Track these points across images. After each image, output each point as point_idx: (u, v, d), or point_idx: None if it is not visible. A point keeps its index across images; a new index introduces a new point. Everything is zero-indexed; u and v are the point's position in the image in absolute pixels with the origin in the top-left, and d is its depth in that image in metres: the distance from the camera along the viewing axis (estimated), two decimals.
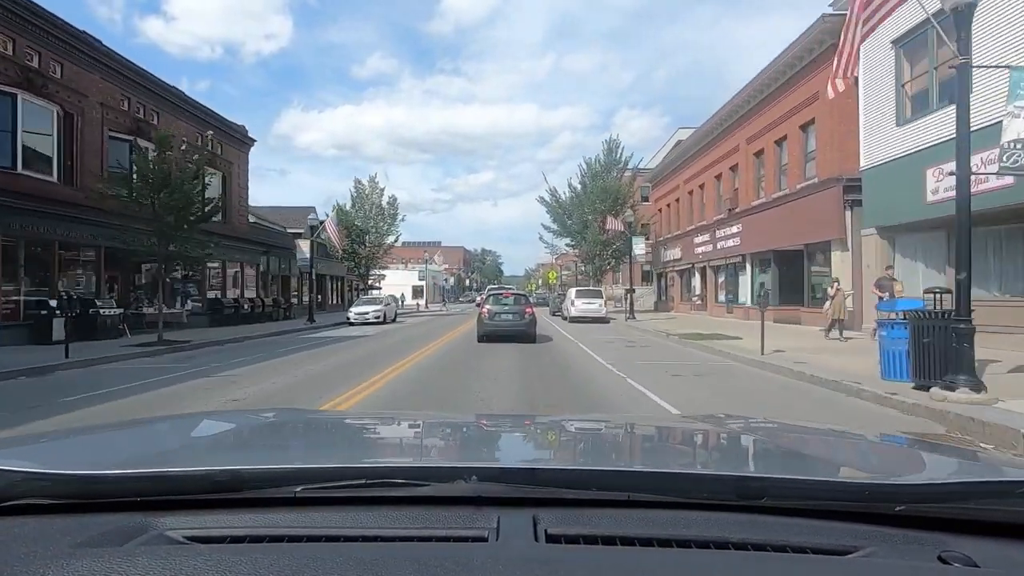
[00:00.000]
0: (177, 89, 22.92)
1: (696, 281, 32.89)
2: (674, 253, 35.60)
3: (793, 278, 22.53)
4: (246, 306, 25.76)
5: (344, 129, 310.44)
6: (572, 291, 28.96)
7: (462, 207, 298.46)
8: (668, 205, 37.83)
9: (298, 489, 1.08)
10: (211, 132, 16.48)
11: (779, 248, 22.36)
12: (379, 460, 1.57)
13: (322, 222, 27.15)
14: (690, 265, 33.22)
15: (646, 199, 41.03)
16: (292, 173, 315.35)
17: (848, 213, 17.97)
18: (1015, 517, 1.03)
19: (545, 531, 0.97)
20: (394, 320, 30.60)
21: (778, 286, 23.10)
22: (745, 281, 25.96)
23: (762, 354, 11.68)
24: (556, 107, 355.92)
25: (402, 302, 54.01)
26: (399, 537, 0.97)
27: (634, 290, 28.27)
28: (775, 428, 2.21)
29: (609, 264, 36.03)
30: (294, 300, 36.04)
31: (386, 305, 29.45)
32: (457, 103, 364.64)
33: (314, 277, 27.00)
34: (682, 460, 1.74)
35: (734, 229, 26.36)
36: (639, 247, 27.03)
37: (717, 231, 28.46)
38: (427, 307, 52.16)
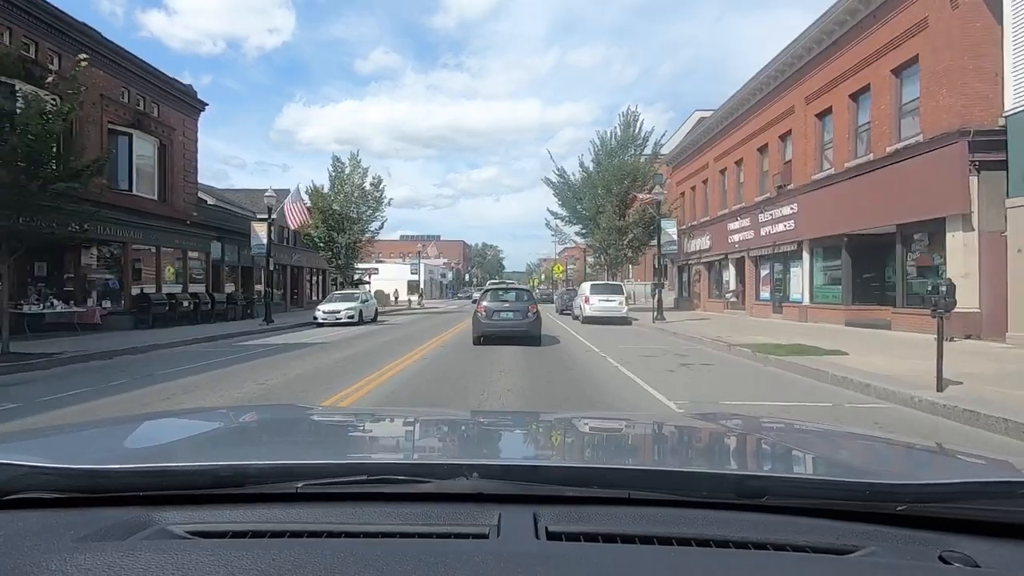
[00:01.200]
0: (93, 29, 18.05)
1: (729, 275, 28.06)
2: (700, 243, 30.76)
3: (874, 269, 17.68)
4: (186, 303, 20.91)
5: (347, 124, 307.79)
6: (586, 286, 24.16)
7: (464, 203, 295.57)
8: (692, 188, 32.98)
9: (300, 485, 1.09)
10: (84, 56, 11.58)
11: (856, 231, 17.52)
12: (381, 456, 1.61)
13: (278, 200, 22.13)
14: (722, 256, 28.40)
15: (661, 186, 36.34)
16: (294, 168, 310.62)
17: (974, 179, 13.13)
18: (1016, 517, 1.03)
19: (546, 528, 0.97)
20: (374, 320, 25.82)
21: (850, 280, 18.26)
22: (800, 274, 21.12)
23: (940, 390, 6.85)
24: (559, 103, 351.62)
25: (395, 298, 49.21)
26: (400, 533, 0.97)
27: (663, 285, 23.40)
28: (776, 427, 2.19)
29: (625, 255, 31.17)
30: (261, 296, 31.29)
31: (363, 302, 24.65)
32: (460, 98, 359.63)
33: (271, 267, 22.14)
34: (683, 458, 1.74)
35: (786, 210, 21.54)
36: (670, 230, 22.17)
37: (761, 214, 23.63)
38: (421, 304, 47.43)
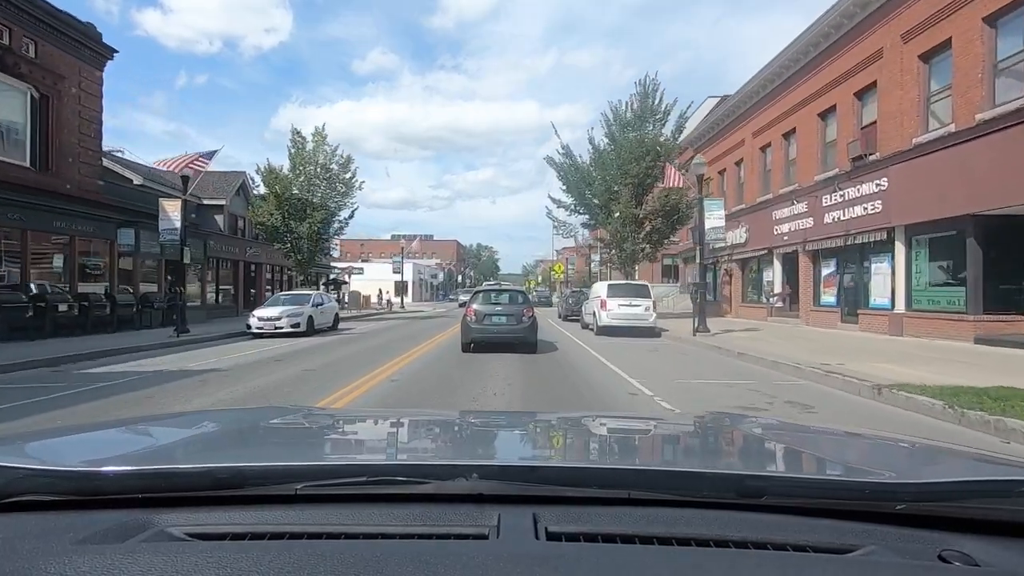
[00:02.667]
0: None
1: (773, 274, 22.88)
2: (733, 236, 25.61)
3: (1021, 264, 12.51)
4: (66, 307, 15.52)
5: (343, 125, 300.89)
6: (602, 286, 18.91)
7: (461, 205, 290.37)
8: (721, 172, 27.83)
9: (299, 486, 1.08)
10: None
11: (992, 210, 12.34)
12: (380, 458, 1.62)
13: (186, 160, 16.45)
14: (762, 251, 23.24)
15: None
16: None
17: None
18: (1015, 516, 1.03)
19: (545, 529, 0.97)
20: (332, 328, 20.54)
21: (981, 280, 13.07)
22: (887, 271, 15.94)
23: None
24: (557, 104, 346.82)
25: (381, 300, 43.91)
26: (400, 535, 0.97)
27: (703, 286, 18.21)
28: (776, 427, 2.20)
29: (642, 250, 25.94)
30: (206, 295, 25.93)
31: (316, 306, 19.31)
32: (458, 99, 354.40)
33: (186, 260, 16.70)
34: (683, 458, 1.74)
35: (868, 188, 16.37)
36: (716, 214, 16.92)
37: (825, 196, 18.47)
38: (402, 307, 42.10)
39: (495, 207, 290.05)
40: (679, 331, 17.04)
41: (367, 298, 47.64)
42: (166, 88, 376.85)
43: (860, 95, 17.24)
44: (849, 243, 17.47)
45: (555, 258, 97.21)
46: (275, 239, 26.05)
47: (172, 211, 16.30)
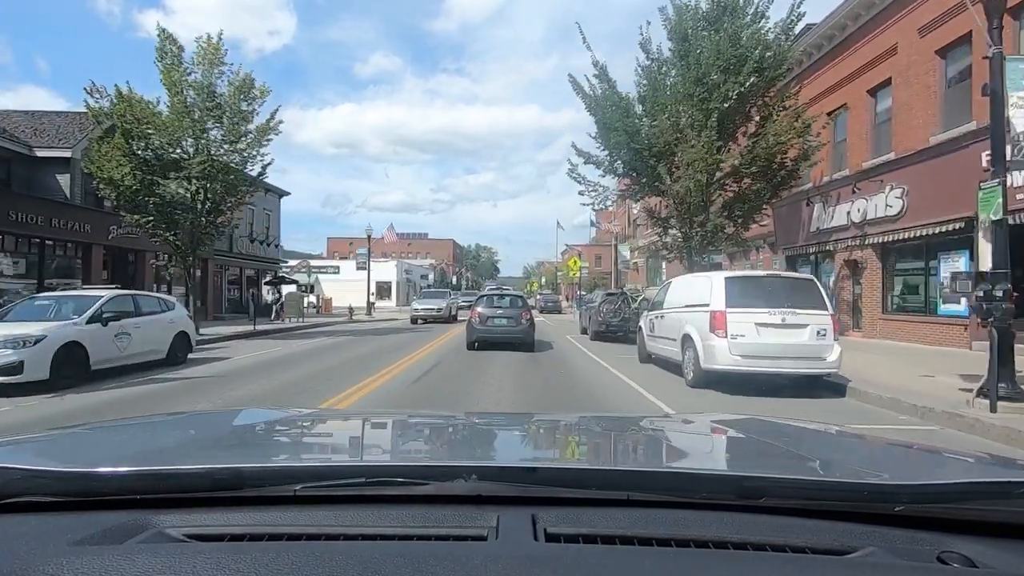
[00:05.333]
0: None
1: (977, 260, 12.92)
2: (869, 207, 15.84)
3: None
4: None
5: (344, 127, 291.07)
6: (716, 283, 8.66)
7: (461, 208, 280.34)
8: (834, 112, 17.96)
9: (298, 487, 1.08)
10: None
11: None
12: (379, 459, 1.60)
13: None
14: (949, 225, 13.31)
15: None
16: (292, 171, 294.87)
17: None
18: (1014, 517, 1.03)
19: (544, 530, 0.96)
20: (169, 360, 10.67)
21: None
22: None
23: None
24: (559, 108, 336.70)
25: (368, 305, 33.84)
26: (399, 536, 0.96)
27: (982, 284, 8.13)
28: (775, 427, 2.10)
29: (721, 228, 16.03)
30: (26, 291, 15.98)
31: (97, 321, 9.26)
32: (459, 103, 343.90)
33: None
34: (681, 459, 1.75)
35: None
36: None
37: None
38: (368, 313, 32.06)
39: (495, 210, 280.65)
40: (898, 384, 7.16)
41: (328, 302, 37.76)
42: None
43: None
44: None
45: (559, 259, 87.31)
46: (132, 207, 16.10)
47: None
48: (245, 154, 17.51)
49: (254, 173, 17.91)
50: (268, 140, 17.88)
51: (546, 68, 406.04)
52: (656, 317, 10.92)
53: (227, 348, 14.68)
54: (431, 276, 72.97)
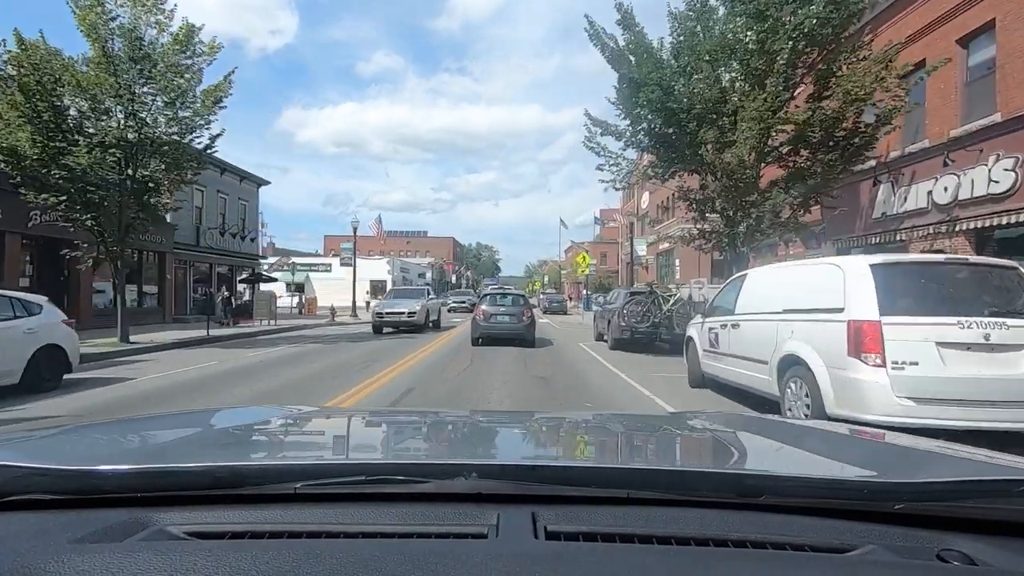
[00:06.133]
0: None
1: None
2: (965, 182, 12.59)
3: None
4: None
5: (346, 127, 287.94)
6: (805, 272, 5.67)
7: (462, 207, 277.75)
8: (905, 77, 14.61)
9: (298, 485, 1.07)
10: None
11: None
12: (379, 457, 1.59)
13: None
14: None
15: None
16: (294, 171, 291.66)
17: None
18: (1013, 516, 1.02)
19: (544, 528, 0.96)
20: (52, 386, 7.50)
21: None
22: None
23: None
24: (560, 107, 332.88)
25: (353, 306, 30.56)
26: (399, 534, 0.96)
27: None
28: (775, 425, 2.15)
29: (791, 207, 12.74)
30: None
31: None
32: (461, 102, 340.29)
33: None
34: (682, 458, 1.75)
35: None
36: None
37: None
38: (354, 315, 28.74)
39: (497, 210, 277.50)
40: None
41: (312, 302, 34.52)
42: None
43: None
44: None
45: (562, 257, 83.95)
46: (36, 184, 12.82)
47: None
48: (188, 122, 14.27)
49: (200, 146, 14.62)
50: (221, 106, 14.66)
51: (548, 67, 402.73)
52: (721, 327, 7.61)
53: (151, 362, 11.42)
54: (428, 274, 69.64)
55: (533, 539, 0.92)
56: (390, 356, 12.25)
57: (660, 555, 0.89)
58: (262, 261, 34.70)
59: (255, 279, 28.94)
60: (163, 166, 14.00)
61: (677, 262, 37.43)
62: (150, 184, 13.92)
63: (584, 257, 29.54)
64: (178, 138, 14.12)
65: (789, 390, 5.63)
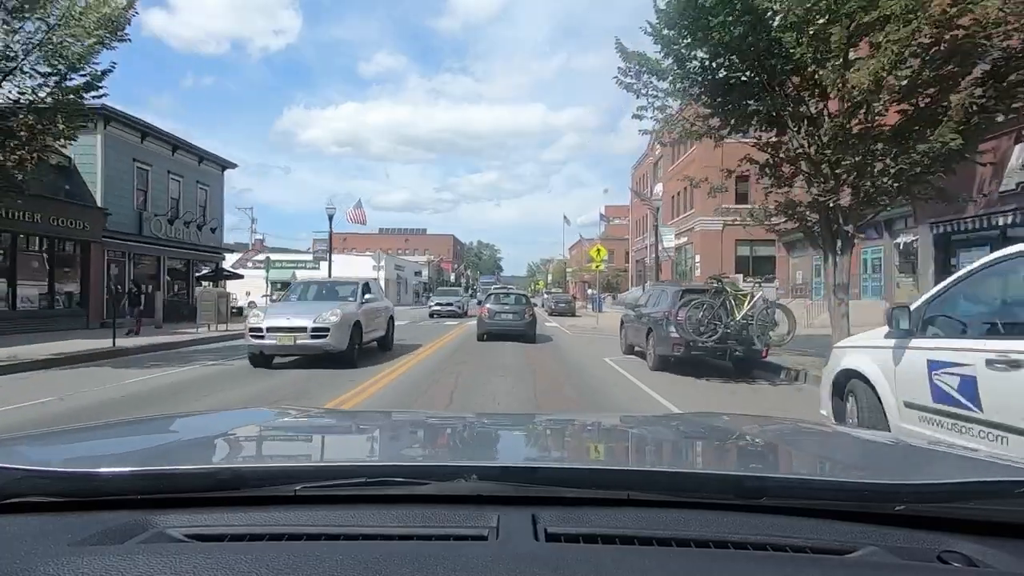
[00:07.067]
0: None
1: None
2: None
3: None
4: None
5: (348, 127, 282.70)
6: None
7: (464, 207, 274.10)
8: None
9: (298, 487, 1.07)
10: None
11: None
12: (379, 458, 1.58)
13: None
14: None
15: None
16: (296, 170, 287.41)
17: None
18: (1014, 517, 1.01)
19: (545, 530, 0.95)
20: None
21: None
22: None
23: None
24: (562, 107, 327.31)
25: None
26: (399, 536, 0.96)
27: None
28: (775, 427, 2.13)
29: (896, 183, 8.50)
30: None
31: None
32: (463, 102, 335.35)
33: None
34: (682, 459, 1.73)
35: None
36: None
37: None
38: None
39: (499, 210, 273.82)
40: None
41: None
42: (171, 88, 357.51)
43: None
44: None
45: (566, 255, 79.86)
46: None
47: None
48: (64, 52, 10.11)
49: (74, 83, 10.41)
50: (120, 37, 10.54)
51: (551, 67, 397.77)
52: (969, 363, 3.41)
53: None
54: (425, 273, 65.37)
55: (533, 541, 0.92)
56: (317, 389, 7.94)
57: (660, 557, 0.89)
58: (223, 253, 30.25)
59: (216, 275, 24.70)
60: (33, 118, 9.88)
61: (697, 258, 33.25)
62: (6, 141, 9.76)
63: (600, 250, 25.63)
64: (50, 72, 9.96)
65: None
